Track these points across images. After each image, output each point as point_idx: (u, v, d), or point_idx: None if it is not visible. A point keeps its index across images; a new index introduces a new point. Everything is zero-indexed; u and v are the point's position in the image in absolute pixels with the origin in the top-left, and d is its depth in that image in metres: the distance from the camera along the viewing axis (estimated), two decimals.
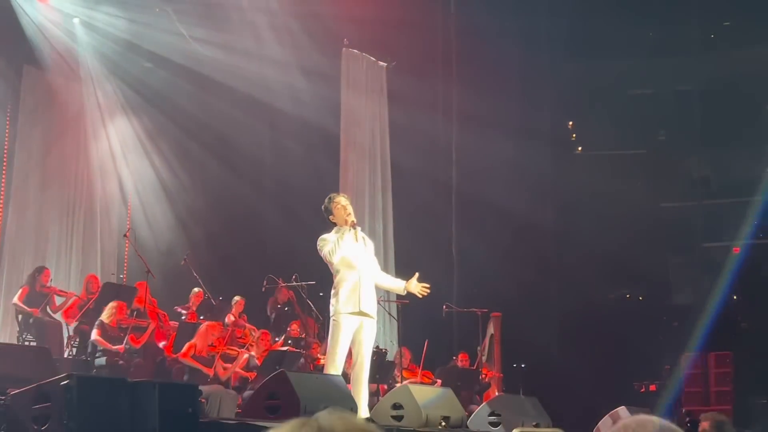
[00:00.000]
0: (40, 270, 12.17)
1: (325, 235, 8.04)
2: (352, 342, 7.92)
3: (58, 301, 12.28)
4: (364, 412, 7.74)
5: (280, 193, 16.63)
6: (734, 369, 15.38)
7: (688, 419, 6.16)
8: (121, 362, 10.95)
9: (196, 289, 13.32)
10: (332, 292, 7.98)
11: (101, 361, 10.90)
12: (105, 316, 11.17)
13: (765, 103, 18.85)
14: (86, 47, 14.54)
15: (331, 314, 7.96)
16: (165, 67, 15.30)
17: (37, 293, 11.96)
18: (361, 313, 7.86)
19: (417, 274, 8.18)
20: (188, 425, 5.46)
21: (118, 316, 11.21)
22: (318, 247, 8.01)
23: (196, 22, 14.75)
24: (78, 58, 14.48)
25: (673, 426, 1.95)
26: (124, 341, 11.10)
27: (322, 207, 8.19)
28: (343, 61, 16.20)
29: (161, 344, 11.87)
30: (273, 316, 13.67)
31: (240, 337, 12.08)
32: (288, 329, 12.80)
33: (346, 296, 7.84)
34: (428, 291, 8.20)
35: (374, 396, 10.67)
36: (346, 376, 8.20)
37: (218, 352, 10.66)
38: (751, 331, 17.25)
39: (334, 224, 8.08)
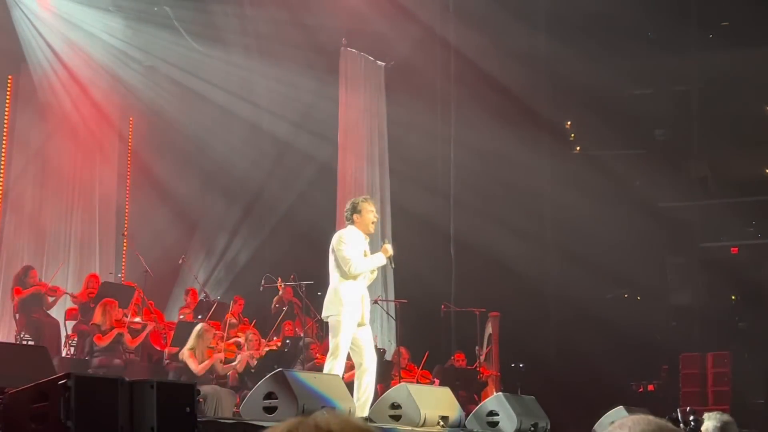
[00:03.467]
0: (27, 270, 12.12)
1: (347, 238, 7.92)
2: (356, 349, 7.94)
3: (51, 299, 12.27)
4: (365, 412, 7.75)
5: (279, 192, 16.64)
6: (732, 369, 15.38)
7: (692, 417, 6.12)
8: (117, 361, 10.91)
9: (188, 288, 13.36)
10: (334, 294, 7.92)
11: (97, 361, 10.85)
12: (99, 320, 11.10)
13: (764, 103, 18.87)
14: (84, 46, 14.52)
15: (331, 315, 7.93)
16: (163, 68, 15.29)
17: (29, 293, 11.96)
18: (361, 324, 7.95)
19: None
20: (186, 424, 5.46)
21: (113, 315, 11.16)
22: (337, 245, 7.89)
23: (194, 22, 14.74)
24: (76, 57, 14.47)
25: (670, 425, 1.95)
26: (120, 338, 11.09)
27: (351, 203, 8.11)
28: (341, 60, 16.19)
29: (157, 345, 11.87)
30: (274, 314, 13.69)
31: (236, 337, 12.08)
32: (284, 328, 12.81)
33: (352, 307, 7.86)
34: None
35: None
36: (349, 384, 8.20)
37: (219, 352, 10.65)
38: (749, 331, 17.26)
39: (350, 222, 8.03)
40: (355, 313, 7.87)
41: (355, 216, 8.02)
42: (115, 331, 10.99)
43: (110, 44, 14.72)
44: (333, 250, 7.94)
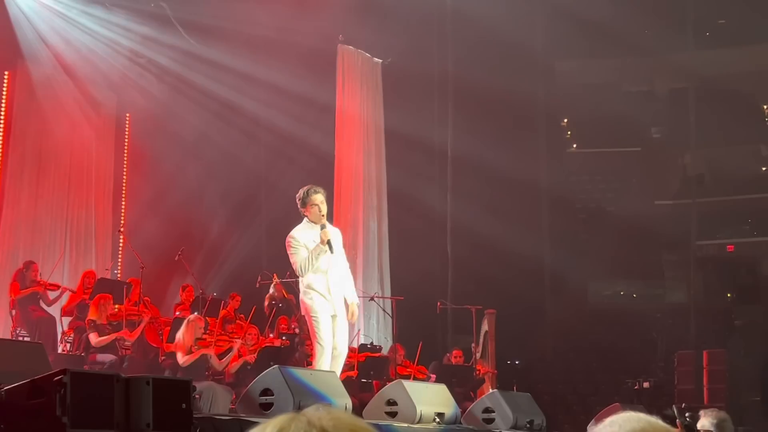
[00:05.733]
0: (29, 265, 12.14)
1: (298, 237, 7.92)
2: None
3: (52, 295, 12.28)
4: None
5: (276, 191, 16.62)
6: (728, 366, 15.42)
7: (687, 415, 6.15)
8: (113, 357, 10.91)
9: (185, 285, 13.35)
10: (304, 291, 7.98)
11: (104, 357, 10.85)
12: (95, 315, 11.10)
13: (759, 101, 18.91)
14: (81, 42, 14.51)
15: (306, 314, 8.02)
16: (161, 63, 15.28)
17: (28, 288, 11.96)
18: (333, 317, 8.00)
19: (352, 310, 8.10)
20: (182, 420, 5.46)
21: (108, 311, 11.16)
22: (289, 248, 7.92)
23: (190, 18, 14.73)
24: (73, 53, 14.45)
25: (660, 422, 1.96)
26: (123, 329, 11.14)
27: (297, 197, 8.05)
28: (338, 57, 16.18)
29: (153, 342, 11.87)
30: (268, 311, 13.67)
31: (232, 332, 12.07)
32: (279, 325, 12.81)
33: (320, 300, 7.92)
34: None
35: (369, 392, 10.70)
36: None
37: (208, 345, 10.63)
38: (745, 328, 17.30)
39: (304, 214, 8.03)
40: (326, 306, 7.90)
41: (303, 210, 8.01)
42: (143, 324, 11.20)
43: (108, 39, 14.71)
44: None
